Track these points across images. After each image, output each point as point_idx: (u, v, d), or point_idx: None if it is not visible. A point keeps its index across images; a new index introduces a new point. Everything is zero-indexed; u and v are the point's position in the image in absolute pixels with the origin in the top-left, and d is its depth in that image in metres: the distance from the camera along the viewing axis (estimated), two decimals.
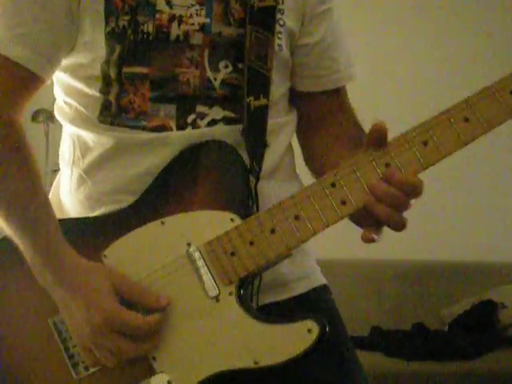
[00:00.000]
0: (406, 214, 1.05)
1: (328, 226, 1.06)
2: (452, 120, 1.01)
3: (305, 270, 1.26)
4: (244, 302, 1.09)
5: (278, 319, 1.09)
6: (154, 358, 1.10)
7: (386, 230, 1.06)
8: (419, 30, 4.13)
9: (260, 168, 1.17)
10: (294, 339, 1.06)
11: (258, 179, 1.16)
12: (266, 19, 1.19)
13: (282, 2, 1.20)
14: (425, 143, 1.02)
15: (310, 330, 1.05)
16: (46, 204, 1.14)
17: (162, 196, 1.15)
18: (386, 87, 4.06)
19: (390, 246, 3.85)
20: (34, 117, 3.82)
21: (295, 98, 1.29)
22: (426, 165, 1.03)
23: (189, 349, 1.09)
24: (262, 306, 1.17)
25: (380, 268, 3.94)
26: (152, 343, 1.08)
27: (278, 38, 1.20)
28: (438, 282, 3.89)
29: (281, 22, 1.20)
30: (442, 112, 1.02)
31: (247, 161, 1.16)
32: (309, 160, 1.32)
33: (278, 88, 1.23)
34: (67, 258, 1.10)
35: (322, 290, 1.29)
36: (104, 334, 1.06)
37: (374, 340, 3.45)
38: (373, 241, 1.06)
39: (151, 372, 1.10)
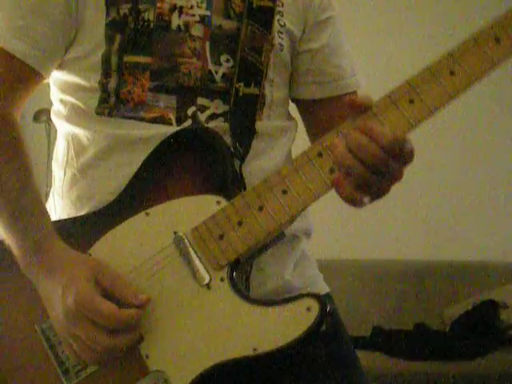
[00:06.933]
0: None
1: (318, 197, 1.02)
2: (437, 75, 0.98)
3: (307, 280, 1.24)
4: (237, 287, 1.04)
5: (273, 301, 1.05)
6: (147, 356, 1.05)
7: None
8: (420, 31, 4.12)
9: (246, 151, 1.16)
10: (293, 320, 1.00)
11: (242, 161, 1.14)
12: (264, 17, 1.20)
13: (282, 5, 1.22)
14: (411, 101, 0.98)
15: (309, 309, 0.99)
16: (37, 198, 1.12)
17: (145, 187, 1.12)
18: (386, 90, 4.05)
19: (392, 246, 3.88)
20: (36, 117, 3.83)
21: (303, 108, 1.29)
22: (414, 122, 0.98)
23: (183, 342, 1.05)
24: None
25: (382, 268, 3.93)
26: (130, 339, 1.03)
27: (280, 38, 1.22)
28: (440, 282, 3.88)
29: (281, 23, 1.22)
30: (425, 68, 0.99)
31: (231, 143, 1.14)
32: None
33: (279, 90, 1.24)
34: (55, 248, 1.08)
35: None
36: (76, 319, 1.02)
37: (376, 340, 3.44)
38: (353, 200, 0.98)
39: (146, 371, 1.05)
